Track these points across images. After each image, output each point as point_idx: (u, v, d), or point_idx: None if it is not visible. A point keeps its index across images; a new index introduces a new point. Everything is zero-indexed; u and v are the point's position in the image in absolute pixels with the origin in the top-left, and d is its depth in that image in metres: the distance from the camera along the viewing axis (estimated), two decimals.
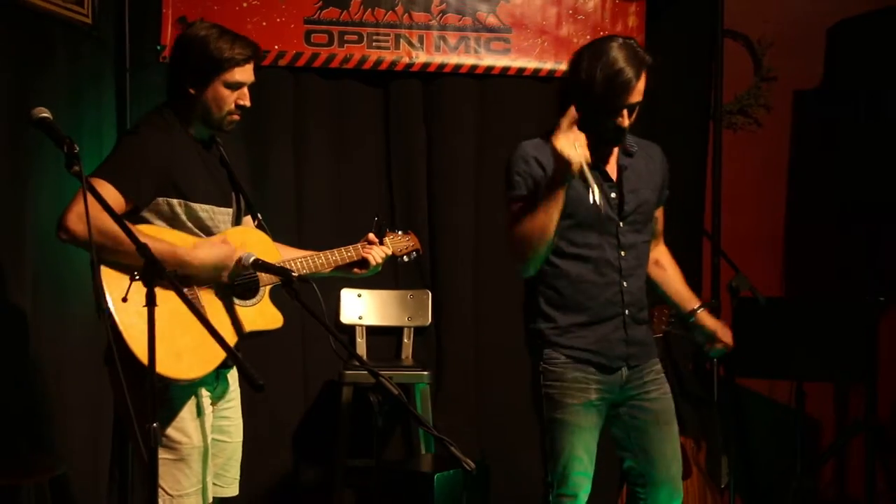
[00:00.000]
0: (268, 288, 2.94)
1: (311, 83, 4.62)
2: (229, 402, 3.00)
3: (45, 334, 3.64)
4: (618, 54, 2.82)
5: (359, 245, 3.15)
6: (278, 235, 3.10)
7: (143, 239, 2.41)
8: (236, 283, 2.85)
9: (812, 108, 5.10)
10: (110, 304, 2.60)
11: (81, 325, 3.72)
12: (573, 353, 2.96)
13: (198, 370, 2.74)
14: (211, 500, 2.87)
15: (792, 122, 5.16)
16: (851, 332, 4.33)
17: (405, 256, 3.31)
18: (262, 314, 2.92)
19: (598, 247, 2.96)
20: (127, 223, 2.47)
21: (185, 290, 2.62)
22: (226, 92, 2.86)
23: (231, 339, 2.81)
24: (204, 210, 2.83)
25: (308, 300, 2.65)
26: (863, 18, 4.78)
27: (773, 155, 5.16)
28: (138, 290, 2.42)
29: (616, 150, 3.01)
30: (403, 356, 4.74)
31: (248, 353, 2.57)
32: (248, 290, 2.89)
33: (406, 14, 4.62)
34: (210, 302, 2.80)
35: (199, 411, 2.80)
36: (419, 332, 4.79)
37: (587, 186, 2.73)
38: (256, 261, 2.81)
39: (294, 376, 4.63)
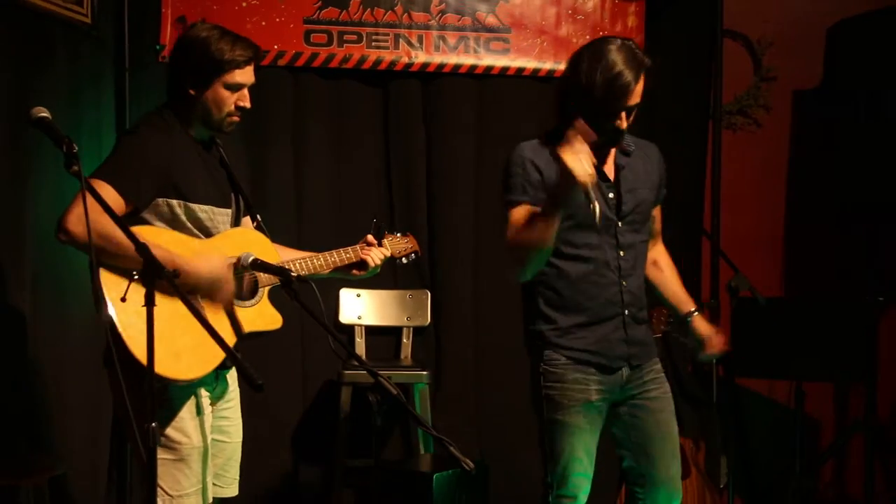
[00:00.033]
0: (267, 289, 2.93)
1: (310, 83, 4.62)
2: (229, 402, 2.99)
3: (44, 335, 3.64)
4: (617, 57, 2.82)
5: (357, 246, 3.14)
6: (277, 235, 3.10)
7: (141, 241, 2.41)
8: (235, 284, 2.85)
9: (812, 108, 5.10)
10: (109, 305, 2.60)
11: (81, 325, 3.72)
12: (573, 354, 2.95)
13: (197, 371, 2.74)
14: (211, 500, 2.87)
15: (791, 122, 5.16)
16: (851, 332, 4.34)
17: (404, 258, 3.31)
18: (261, 315, 2.91)
19: (598, 247, 2.96)
20: (127, 225, 2.47)
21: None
22: (226, 93, 2.86)
23: (230, 339, 2.80)
24: (203, 211, 2.82)
25: (307, 300, 2.65)
26: (862, 18, 4.78)
27: (772, 155, 5.16)
28: (137, 291, 2.43)
29: (613, 150, 3.01)
30: (402, 356, 4.74)
31: (247, 353, 2.57)
32: (248, 291, 2.89)
33: (405, 14, 4.62)
34: (209, 302, 2.80)
35: (199, 411, 2.80)
36: (418, 332, 4.79)
37: (589, 202, 2.73)
38: (255, 261, 2.81)
39: (293, 376, 4.63)
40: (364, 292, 4.74)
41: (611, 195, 2.98)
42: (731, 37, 5.08)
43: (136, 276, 2.36)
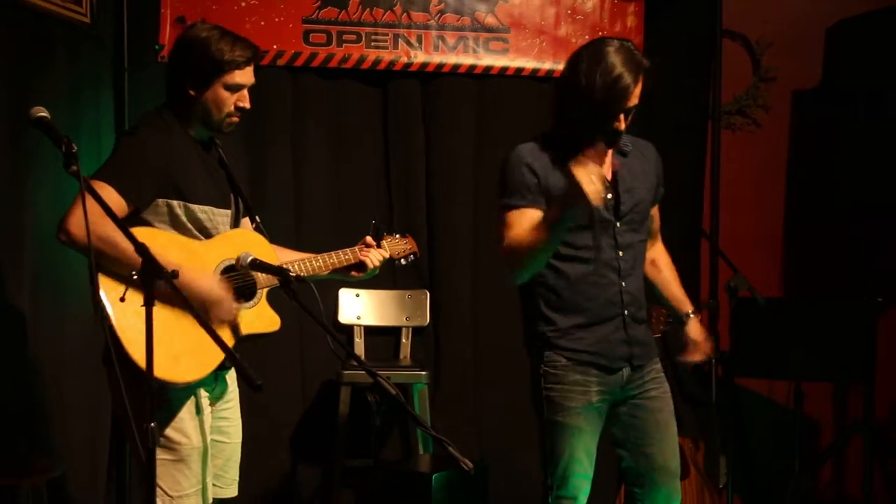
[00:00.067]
0: (265, 290, 2.93)
1: (309, 83, 4.62)
2: (228, 402, 2.99)
3: (43, 334, 3.64)
4: (616, 59, 2.81)
5: (356, 248, 3.14)
6: (277, 235, 3.10)
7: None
8: (233, 285, 2.85)
9: (811, 109, 5.10)
10: (108, 307, 2.60)
11: (80, 325, 3.72)
12: (574, 355, 2.95)
13: (195, 373, 2.74)
14: (211, 500, 2.87)
15: (791, 123, 5.16)
16: (850, 333, 4.34)
17: (402, 259, 3.31)
18: (259, 317, 2.91)
19: (597, 248, 2.96)
20: (127, 227, 2.46)
21: None
22: (226, 94, 2.86)
23: (228, 341, 2.80)
24: (203, 211, 2.82)
25: (306, 300, 2.65)
26: (862, 18, 4.78)
27: (771, 155, 5.16)
28: (135, 293, 2.44)
29: (610, 150, 3.01)
30: (401, 356, 4.74)
31: (246, 353, 2.57)
32: (245, 293, 2.89)
33: (404, 14, 4.62)
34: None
35: (198, 410, 2.80)
36: (417, 332, 4.79)
37: (592, 224, 2.72)
38: (254, 260, 2.81)
39: (292, 376, 4.63)
40: (363, 292, 4.74)
41: (608, 196, 2.97)
42: (731, 37, 5.08)
43: (134, 276, 2.36)
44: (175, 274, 2.39)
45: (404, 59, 4.63)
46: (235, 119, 2.90)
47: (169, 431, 2.74)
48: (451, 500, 4.00)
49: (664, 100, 4.52)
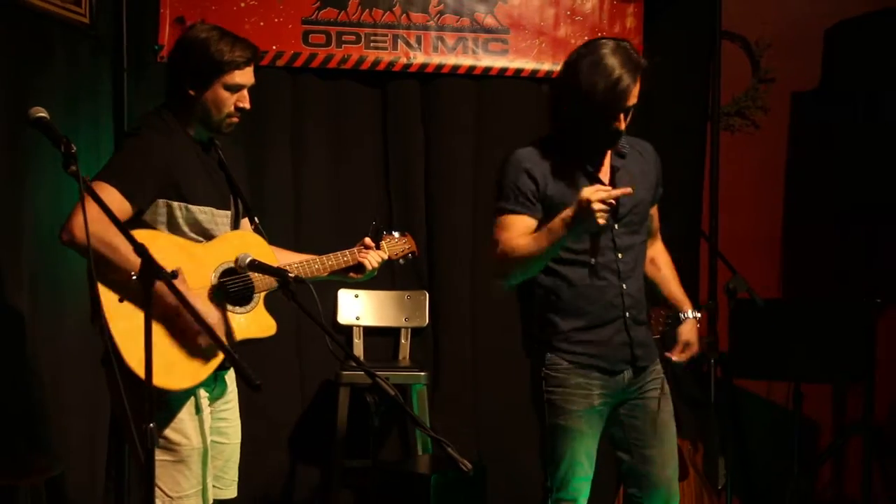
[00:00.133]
0: (262, 295, 2.93)
1: (308, 83, 4.62)
2: (227, 403, 2.99)
3: (42, 334, 3.64)
4: (613, 60, 2.81)
5: (355, 249, 3.14)
6: (276, 236, 3.09)
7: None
8: (231, 289, 2.85)
9: (810, 110, 5.10)
10: (105, 315, 2.60)
11: (78, 324, 3.71)
12: (576, 358, 2.94)
13: (190, 380, 2.74)
14: (211, 501, 2.86)
15: (790, 124, 5.17)
16: (849, 334, 4.34)
17: (401, 259, 3.30)
18: (255, 322, 2.91)
19: (597, 251, 2.95)
20: (126, 228, 2.46)
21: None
22: (225, 94, 2.86)
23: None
24: (203, 212, 2.82)
25: (305, 301, 2.65)
26: (860, 20, 4.79)
27: (770, 156, 5.16)
28: (131, 303, 2.50)
29: (609, 152, 3.00)
30: (400, 357, 4.74)
31: (245, 353, 2.56)
32: (243, 297, 2.89)
33: (404, 14, 4.62)
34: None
35: (198, 410, 2.80)
36: (416, 332, 4.79)
37: (594, 248, 2.72)
38: (253, 261, 2.81)
39: (291, 377, 4.63)
40: (362, 293, 4.74)
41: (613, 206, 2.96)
42: (730, 38, 5.08)
43: (134, 276, 2.35)
44: (174, 274, 2.39)
45: (403, 60, 4.63)
46: (235, 119, 2.90)
47: (168, 432, 2.74)
48: (450, 500, 4.00)
49: (663, 101, 4.53)
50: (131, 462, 4.11)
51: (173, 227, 2.79)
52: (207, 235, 2.85)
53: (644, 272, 3.13)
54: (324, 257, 3.07)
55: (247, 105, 2.90)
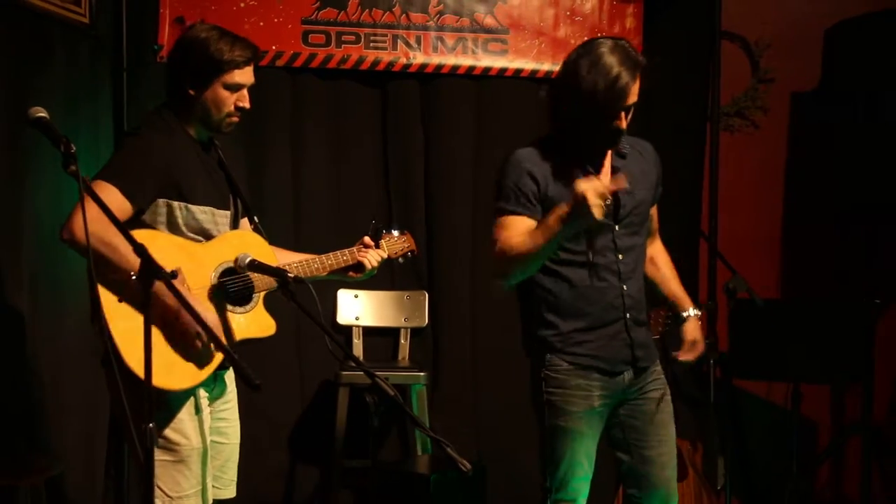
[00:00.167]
0: (262, 295, 2.93)
1: (308, 83, 4.62)
2: (226, 403, 2.99)
3: (42, 334, 3.64)
4: (612, 59, 2.80)
5: (354, 249, 3.14)
6: (276, 236, 3.10)
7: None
8: (230, 289, 2.85)
9: (809, 110, 5.10)
10: (105, 315, 2.60)
11: (78, 324, 3.72)
12: (576, 359, 2.93)
13: (189, 380, 2.75)
14: (211, 501, 2.86)
15: (789, 124, 5.17)
16: (848, 334, 4.34)
17: (400, 258, 3.31)
18: (255, 321, 2.91)
19: (596, 252, 2.93)
20: (126, 228, 2.46)
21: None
22: (225, 94, 2.86)
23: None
24: (204, 212, 2.82)
25: (304, 301, 2.65)
26: (860, 20, 4.79)
27: (770, 156, 5.16)
28: (130, 303, 2.49)
29: (609, 153, 3.00)
30: (400, 357, 4.74)
31: (244, 353, 2.56)
32: (242, 297, 2.89)
33: (403, 15, 4.62)
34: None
35: (197, 410, 2.80)
36: (416, 332, 4.79)
37: (590, 242, 2.71)
38: (252, 261, 2.81)
39: (291, 377, 4.63)
40: (362, 293, 4.74)
41: (608, 200, 2.96)
42: (729, 38, 5.08)
43: (133, 276, 2.36)
44: (174, 275, 2.39)
45: (403, 60, 4.63)
46: (235, 119, 2.90)
47: (168, 432, 2.74)
48: (450, 501, 4.00)
49: (663, 101, 4.53)
50: (131, 462, 4.11)
51: (173, 227, 2.79)
52: (207, 235, 2.85)
53: (644, 272, 3.13)
54: (323, 256, 3.08)
55: (247, 104, 2.90)
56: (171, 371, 2.69)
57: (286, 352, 4.55)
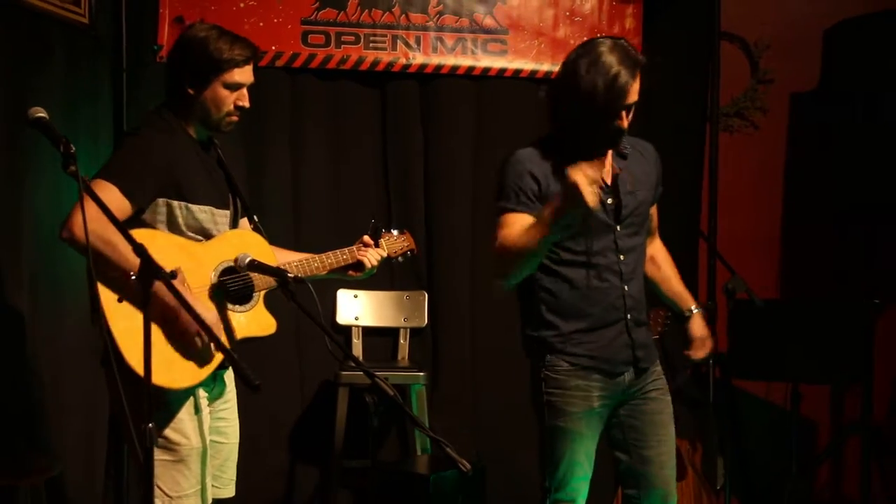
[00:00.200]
0: (262, 293, 2.93)
1: (307, 84, 4.62)
2: (226, 402, 3.00)
3: (42, 334, 3.64)
4: (611, 58, 2.80)
5: (354, 247, 3.14)
6: (275, 236, 3.10)
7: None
8: (230, 288, 2.85)
9: (809, 111, 5.10)
10: (105, 313, 2.60)
11: (78, 324, 3.72)
12: (577, 360, 2.93)
13: (190, 379, 2.75)
14: (210, 501, 2.87)
15: (788, 125, 5.17)
16: (847, 334, 4.34)
17: (400, 257, 3.31)
18: (255, 320, 2.91)
19: (598, 252, 2.94)
20: (125, 228, 2.46)
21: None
22: (225, 93, 2.86)
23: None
24: (203, 211, 2.82)
25: (304, 301, 2.65)
26: (859, 21, 4.79)
27: (769, 157, 5.16)
28: (131, 299, 2.49)
29: (610, 153, 3.00)
30: (400, 357, 4.74)
31: (244, 353, 2.57)
32: (243, 296, 2.89)
33: (403, 15, 4.63)
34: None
35: (197, 410, 2.80)
36: (415, 333, 4.79)
37: (587, 228, 2.71)
38: (252, 261, 2.81)
39: (290, 377, 4.63)
40: (361, 293, 4.74)
41: (609, 200, 2.96)
42: (729, 39, 5.08)
43: (133, 276, 2.36)
44: (173, 275, 2.39)
45: (403, 61, 4.64)
46: (235, 118, 2.90)
47: (168, 432, 2.74)
48: (449, 500, 4.00)
49: (662, 101, 4.53)
50: (130, 462, 4.12)
51: (173, 227, 2.80)
52: (207, 235, 2.85)
53: (644, 271, 3.13)
54: (323, 255, 3.08)
55: (246, 104, 2.90)
56: (172, 369, 2.69)
57: (286, 352, 4.55)
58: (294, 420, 4.66)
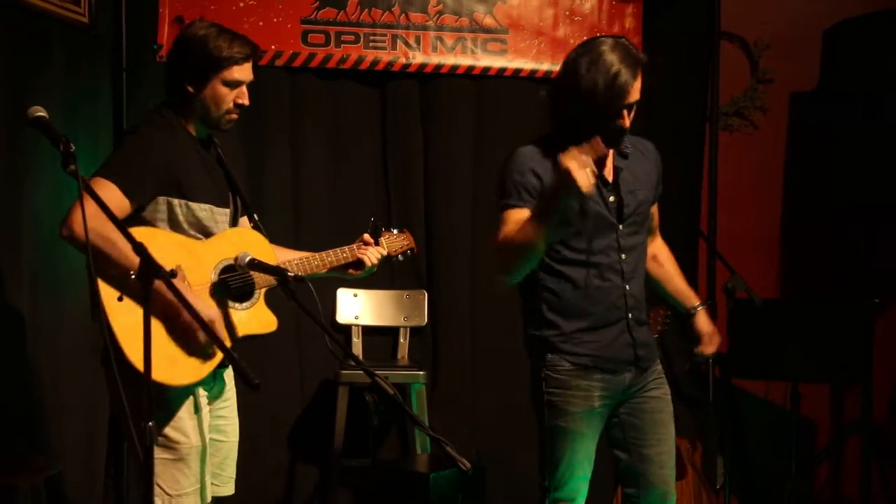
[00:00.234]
0: (263, 291, 2.93)
1: (307, 83, 4.62)
2: (226, 401, 3.00)
3: (42, 333, 3.64)
4: (612, 56, 2.80)
5: (354, 246, 3.14)
6: (275, 235, 3.10)
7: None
8: (231, 285, 2.85)
9: (808, 110, 5.11)
10: (105, 309, 2.60)
11: (78, 323, 3.72)
12: (579, 359, 2.93)
13: (192, 376, 2.75)
14: (210, 499, 2.87)
15: (788, 124, 5.17)
16: (847, 334, 4.34)
17: (400, 255, 3.31)
18: (256, 317, 2.91)
19: (600, 251, 2.93)
20: (125, 226, 2.46)
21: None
22: (224, 90, 2.86)
23: (224, 342, 2.80)
24: (203, 209, 2.83)
25: (304, 300, 2.65)
26: (859, 20, 4.79)
27: (769, 156, 5.16)
28: (131, 297, 2.48)
29: (611, 152, 3.00)
30: (399, 356, 4.74)
31: (244, 352, 2.57)
32: (243, 293, 2.89)
33: (403, 14, 4.63)
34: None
35: (197, 409, 2.81)
36: (415, 332, 4.79)
37: (584, 212, 2.70)
38: (252, 260, 2.81)
39: (290, 376, 4.63)
40: (361, 292, 4.74)
41: (611, 198, 2.96)
42: (728, 38, 5.09)
43: (133, 275, 2.36)
44: (173, 273, 2.40)
45: (402, 60, 4.64)
46: (234, 116, 2.90)
47: (168, 430, 2.75)
48: (449, 499, 4.01)
49: (662, 101, 4.52)
50: (130, 461, 4.12)
51: (174, 225, 2.80)
52: (206, 233, 2.85)
53: (646, 270, 3.13)
54: (323, 254, 3.08)
55: (246, 101, 2.90)
56: (174, 366, 2.69)
57: (286, 350, 4.55)
58: (294, 419, 4.67)
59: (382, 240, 3.22)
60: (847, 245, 4.99)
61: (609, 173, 2.98)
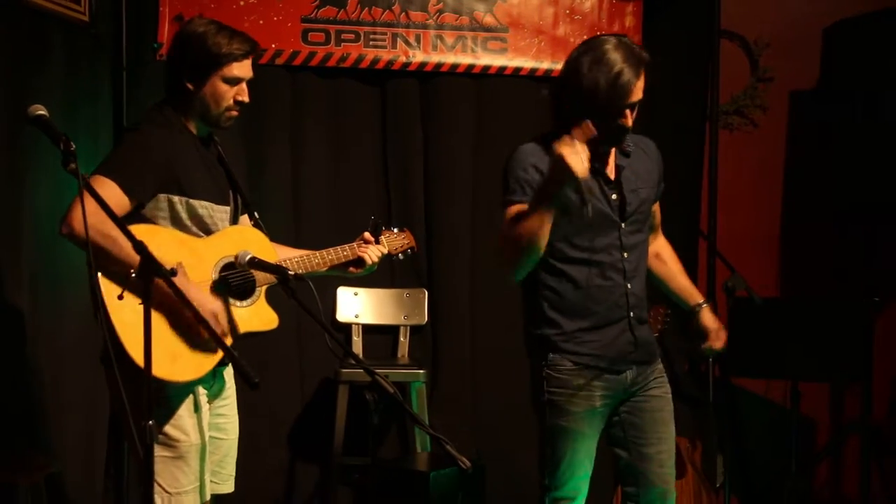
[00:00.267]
0: (264, 288, 2.93)
1: (307, 82, 4.62)
2: (226, 399, 3.00)
3: (42, 332, 3.64)
4: (615, 55, 2.80)
5: (354, 244, 3.14)
6: (275, 233, 3.10)
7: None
8: (232, 283, 2.86)
9: (808, 109, 5.11)
10: (106, 306, 2.60)
11: (78, 322, 3.72)
12: (580, 359, 2.92)
13: (193, 372, 2.75)
14: (209, 497, 2.87)
15: (788, 123, 5.17)
16: (847, 333, 4.34)
17: (400, 254, 3.31)
18: (257, 315, 2.91)
19: (602, 250, 2.93)
20: (125, 224, 2.47)
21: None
22: (224, 87, 2.86)
23: (225, 340, 2.81)
24: (203, 207, 2.83)
25: (304, 298, 2.65)
26: (859, 19, 4.79)
27: (769, 155, 5.16)
28: (133, 292, 2.46)
29: (613, 150, 3.00)
30: (400, 355, 4.74)
31: (244, 350, 2.57)
32: (244, 291, 2.89)
33: (403, 13, 4.63)
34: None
35: (197, 408, 2.81)
36: (415, 330, 4.79)
37: (582, 200, 2.71)
38: (253, 259, 2.81)
39: (290, 374, 4.63)
40: (361, 291, 4.74)
41: (613, 196, 2.96)
42: (728, 37, 5.09)
43: (133, 274, 2.36)
44: (173, 272, 2.40)
45: (403, 59, 4.64)
46: (234, 113, 2.90)
47: (168, 429, 2.75)
48: (449, 498, 4.01)
49: (662, 100, 4.50)
50: (130, 460, 4.12)
51: (176, 222, 2.80)
52: (207, 231, 2.86)
53: (649, 268, 3.13)
54: (323, 252, 3.08)
55: (246, 98, 2.90)
56: (176, 362, 2.69)
57: (286, 349, 4.55)
58: (294, 417, 4.67)
59: (383, 238, 3.22)
60: (847, 244, 4.99)
61: (611, 172, 2.98)
